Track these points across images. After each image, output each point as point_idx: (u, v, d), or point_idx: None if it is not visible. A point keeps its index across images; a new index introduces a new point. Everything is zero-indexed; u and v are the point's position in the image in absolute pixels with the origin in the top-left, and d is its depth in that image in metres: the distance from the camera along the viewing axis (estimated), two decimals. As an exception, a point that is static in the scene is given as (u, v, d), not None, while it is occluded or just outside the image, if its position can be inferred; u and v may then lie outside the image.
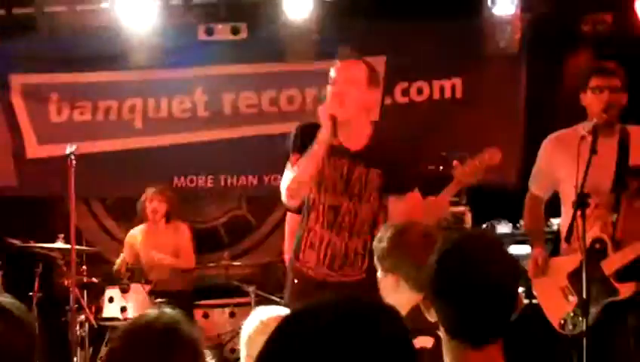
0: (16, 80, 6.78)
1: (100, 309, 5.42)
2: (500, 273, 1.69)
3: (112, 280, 5.58)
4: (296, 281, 3.53)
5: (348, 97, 3.35)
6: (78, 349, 5.25)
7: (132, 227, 6.13)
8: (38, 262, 5.64)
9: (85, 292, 5.61)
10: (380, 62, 6.52)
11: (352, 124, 3.44)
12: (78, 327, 5.21)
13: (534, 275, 4.00)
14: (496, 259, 1.71)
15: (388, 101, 6.58)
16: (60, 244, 5.44)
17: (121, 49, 6.35)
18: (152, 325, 1.71)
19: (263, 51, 6.52)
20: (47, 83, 6.80)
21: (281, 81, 6.64)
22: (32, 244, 5.62)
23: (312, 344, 1.06)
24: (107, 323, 5.33)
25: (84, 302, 5.41)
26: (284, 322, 1.14)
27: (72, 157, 4.99)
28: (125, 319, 5.20)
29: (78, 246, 5.40)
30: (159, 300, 5.40)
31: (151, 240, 5.98)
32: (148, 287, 5.49)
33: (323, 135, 3.32)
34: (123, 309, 5.31)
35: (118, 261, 5.84)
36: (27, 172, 6.82)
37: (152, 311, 1.77)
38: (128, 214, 6.62)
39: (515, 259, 1.92)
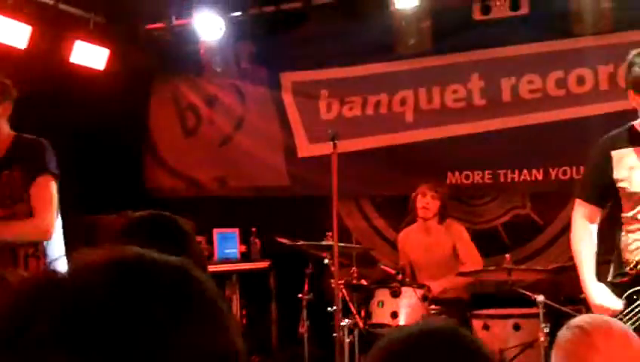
0: (287, 78, 6.72)
1: (369, 314, 4.96)
2: None
3: (383, 282, 5.12)
4: None
5: None
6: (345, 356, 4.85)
7: (402, 227, 5.66)
8: (308, 262, 5.39)
9: (355, 295, 5.20)
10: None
11: None
12: (345, 332, 4.82)
13: None
14: None
15: None
16: (327, 242, 5.11)
17: (392, 37, 5.95)
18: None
19: (547, 27, 5.73)
20: (317, 79, 6.63)
21: (570, 59, 5.76)
22: (301, 243, 5.37)
23: None
24: (376, 330, 4.86)
25: (353, 306, 5.00)
26: None
27: (335, 141, 4.63)
28: (396, 326, 4.71)
29: (344, 244, 5.04)
30: (433, 307, 4.86)
31: (422, 241, 5.47)
32: (421, 292, 4.94)
33: None
34: (394, 315, 4.82)
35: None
36: (298, 171, 6.71)
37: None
38: (399, 214, 6.20)
39: None
